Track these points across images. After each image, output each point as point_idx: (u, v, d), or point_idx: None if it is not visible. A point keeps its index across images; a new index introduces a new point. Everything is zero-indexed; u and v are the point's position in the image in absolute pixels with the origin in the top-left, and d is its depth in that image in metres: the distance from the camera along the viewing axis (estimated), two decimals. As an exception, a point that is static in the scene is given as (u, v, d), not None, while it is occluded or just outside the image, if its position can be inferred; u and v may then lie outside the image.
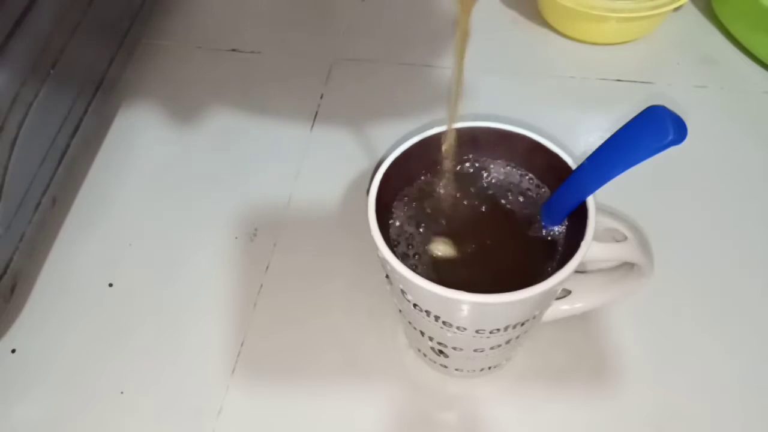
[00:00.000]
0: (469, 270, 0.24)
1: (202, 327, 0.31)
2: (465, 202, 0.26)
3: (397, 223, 0.25)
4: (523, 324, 0.23)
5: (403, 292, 0.22)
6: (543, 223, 0.24)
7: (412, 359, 0.30)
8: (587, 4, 0.39)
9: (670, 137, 0.18)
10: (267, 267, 0.33)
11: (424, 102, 0.39)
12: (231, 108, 0.40)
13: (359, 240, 0.25)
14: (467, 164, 0.26)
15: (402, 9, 0.45)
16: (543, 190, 0.25)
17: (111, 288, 0.33)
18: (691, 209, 0.34)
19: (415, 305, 0.23)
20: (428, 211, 0.25)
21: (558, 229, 0.24)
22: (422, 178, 0.26)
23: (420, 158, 0.25)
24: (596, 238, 0.22)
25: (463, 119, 0.25)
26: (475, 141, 0.25)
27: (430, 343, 0.25)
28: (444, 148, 0.24)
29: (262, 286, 0.32)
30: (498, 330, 0.22)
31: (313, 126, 0.39)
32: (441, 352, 0.26)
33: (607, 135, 0.20)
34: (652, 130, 0.19)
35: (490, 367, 0.28)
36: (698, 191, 0.35)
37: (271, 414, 0.29)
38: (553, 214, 0.24)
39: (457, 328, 0.22)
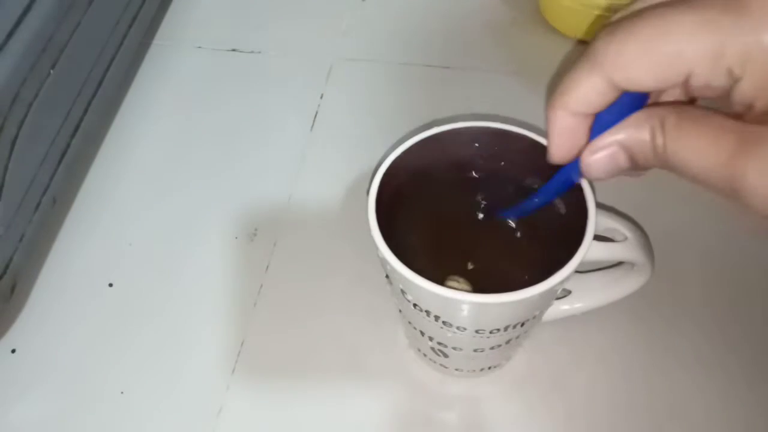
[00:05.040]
0: (469, 269, 0.24)
1: (202, 327, 0.31)
2: (465, 202, 0.26)
3: (397, 223, 0.25)
4: (523, 324, 0.23)
5: (403, 292, 0.22)
6: (504, 214, 0.24)
7: (412, 359, 0.30)
8: (588, 4, 0.39)
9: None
10: (267, 267, 0.33)
11: (425, 102, 0.39)
12: (231, 108, 0.40)
13: (359, 240, 0.25)
14: (467, 164, 0.26)
15: (402, 9, 0.45)
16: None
17: (111, 288, 0.33)
18: (691, 208, 0.34)
19: (415, 305, 0.23)
20: (428, 210, 0.25)
21: (557, 230, 0.24)
22: (422, 177, 0.26)
23: (420, 158, 0.25)
24: (596, 238, 0.22)
25: (463, 119, 0.25)
26: (475, 141, 0.25)
27: (430, 343, 0.25)
28: None
29: (262, 286, 0.32)
30: (498, 330, 0.22)
31: (313, 126, 0.39)
32: (441, 352, 0.26)
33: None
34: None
35: (490, 367, 0.28)
36: (698, 190, 0.35)
37: (271, 414, 0.29)
38: (518, 211, 0.24)
39: (457, 328, 0.22)
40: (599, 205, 0.22)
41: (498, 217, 0.25)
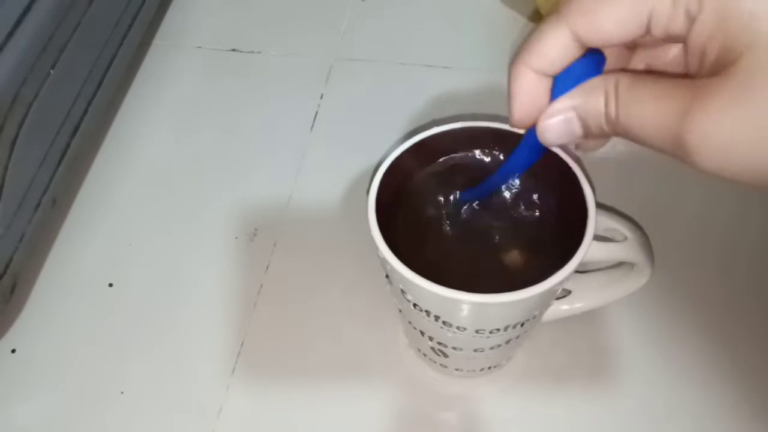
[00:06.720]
0: (469, 270, 0.24)
1: (202, 327, 0.31)
2: (464, 202, 0.26)
3: (398, 223, 0.25)
4: (523, 324, 0.23)
5: (403, 291, 0.22)
6: (470, 194, 0.24)
7: (412, 359, 0.30)
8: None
9: None
10: (267, 267, 0.33)
11: (424, 102, 0.39)
12: (231, 108, 0.40)
13: (359, 240, 0.25)
14: (467, 164, 0.26)
15: (402, 9, 0.45)
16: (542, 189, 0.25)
17: (111, 288, 0.33)
18: (691, 208, 0.34)
19: (415, 305, 0.23)
20: (428, 210, 0.25)
21: (557, 230, 0.24)
22: (422, 177, 0.26)
23: (420, 158, 0.25)
24: (596, 238, 0.22)
25: (463, 119, 0.25)
26: (475, 141, 0.25)
27: (430, 343, 0.25)
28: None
29: (262, 286, 0.32)
30: (498, 330, 0.22)
31: (313, 126, 0.39)
32: (441, 352, 0.26)
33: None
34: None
35: (490, 367, 0.28)
36: (698, 190, 0.35)
37: (271, 413, 0.29)
38: (485, 190, 0.24)
39: (457, 328, 0.22)
40: (599, 205, 0.22)
41: (464, 199, 0.25)
